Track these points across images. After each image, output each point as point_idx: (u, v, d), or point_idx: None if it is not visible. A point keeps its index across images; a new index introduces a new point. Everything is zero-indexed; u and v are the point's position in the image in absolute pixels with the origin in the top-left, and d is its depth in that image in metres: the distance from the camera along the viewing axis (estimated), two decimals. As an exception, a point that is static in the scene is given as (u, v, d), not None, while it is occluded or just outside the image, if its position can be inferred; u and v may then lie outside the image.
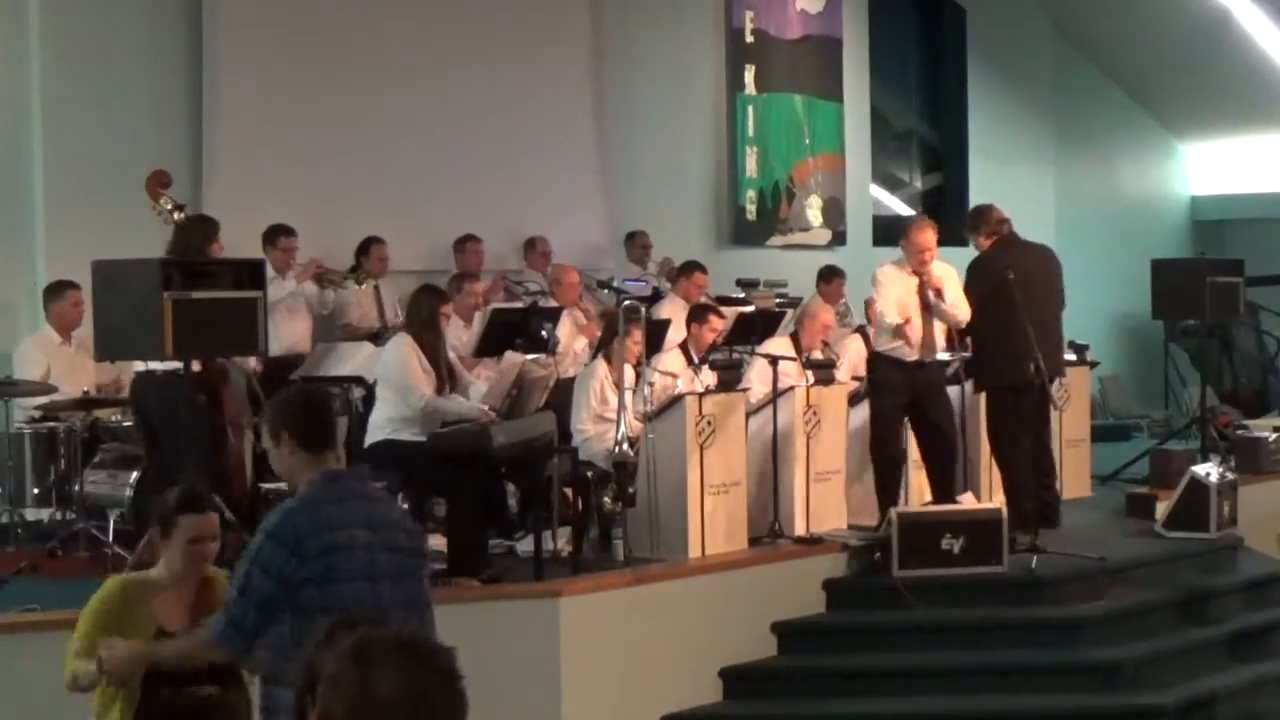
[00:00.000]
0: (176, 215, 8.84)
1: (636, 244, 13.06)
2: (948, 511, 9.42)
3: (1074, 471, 11.27)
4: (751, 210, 14.73)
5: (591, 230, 13.21)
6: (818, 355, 10.35)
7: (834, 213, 15.43)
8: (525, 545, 8.88)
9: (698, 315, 10.44)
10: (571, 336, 10.90)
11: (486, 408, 9.00)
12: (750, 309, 11.93)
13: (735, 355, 10.75)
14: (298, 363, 10.33)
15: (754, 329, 11.28)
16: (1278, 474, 11.84)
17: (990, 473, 10.46)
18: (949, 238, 13.57)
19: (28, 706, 7.13)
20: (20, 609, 7.51)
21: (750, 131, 14.70)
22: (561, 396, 9.66)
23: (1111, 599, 9.28)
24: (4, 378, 9.25)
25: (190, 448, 7.93)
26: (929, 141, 17.41)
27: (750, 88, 14.71)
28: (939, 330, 9.82)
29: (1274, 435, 12.11)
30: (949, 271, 9.95)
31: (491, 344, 10.15)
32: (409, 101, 12.16)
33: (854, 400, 10.10)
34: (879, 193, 16.61)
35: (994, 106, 17.08)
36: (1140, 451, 12.55)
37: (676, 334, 10.77)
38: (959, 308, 9.79)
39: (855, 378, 10.27)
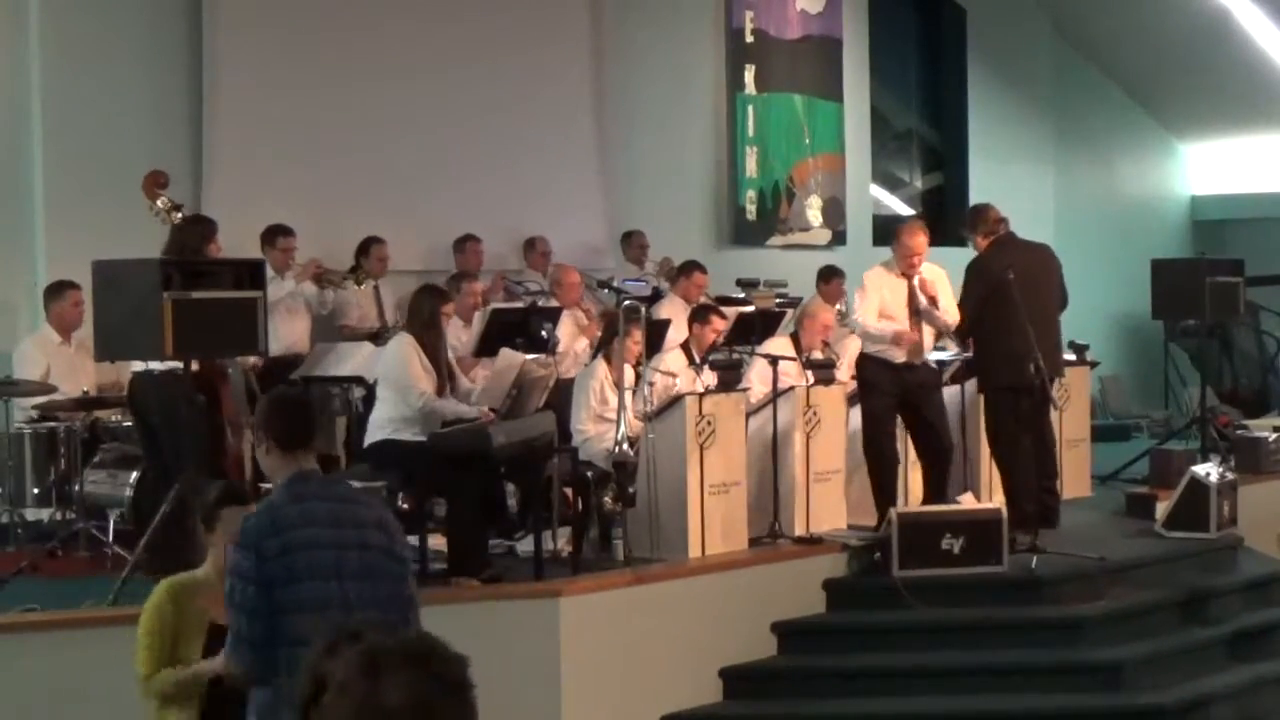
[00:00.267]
0: (174, 215, 8.84)
1: (633, 244, 13.06)
2: (948, 511, 9.42)
3: (1074, 471, 11.27)
4: (751, 210, 14.73)
5: (591, 230, 13.21)
6: (818, 355, 10.35)
7: (834, 213, 15.43)
8: (525, 545, 8.88)
9: (700, 315, 10.45)
10: (573, 337, 10.90)
11: (486, 408, 8.99)
12: (750, 309, 11.92)
13: (735, 355, 10.75)
14: (297, 363, 10.33)
15: (754, 329, 11.28)
16: (1278, 474, 11.83)
17: (990, 473, 10.46)
18: (949, 238, 13.61)
19: (28, 706, 7.14)
20: (20, 609, 7.51)
21: (750, 131, 14.70)
22: (561, 396, 9.66)
23: (1111, 599, 9.28)
24: (4, 378, 9.25)
25: (189, 447, 7.92)
26: (929, 141, 17.42)
27: (750, 88, 14.71)
28: (928, 332, 9.83)
29: (1274, 435, 12.11)
30: (939, 275, 9.95)
31: (491, 344, 10.14)
32: (409, 101, 12.16)
33: (854, 400, 10.10)
34: (879, 193, 16.61)
35: (994, 106, 17.08)
36: (1140, 451, 12.55)
37: (676, 334, 10.78)
38: (949, 313, 9.79)
39: (855, 378, 10.26)
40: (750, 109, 14.71)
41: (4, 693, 7.15)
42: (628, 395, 8.98)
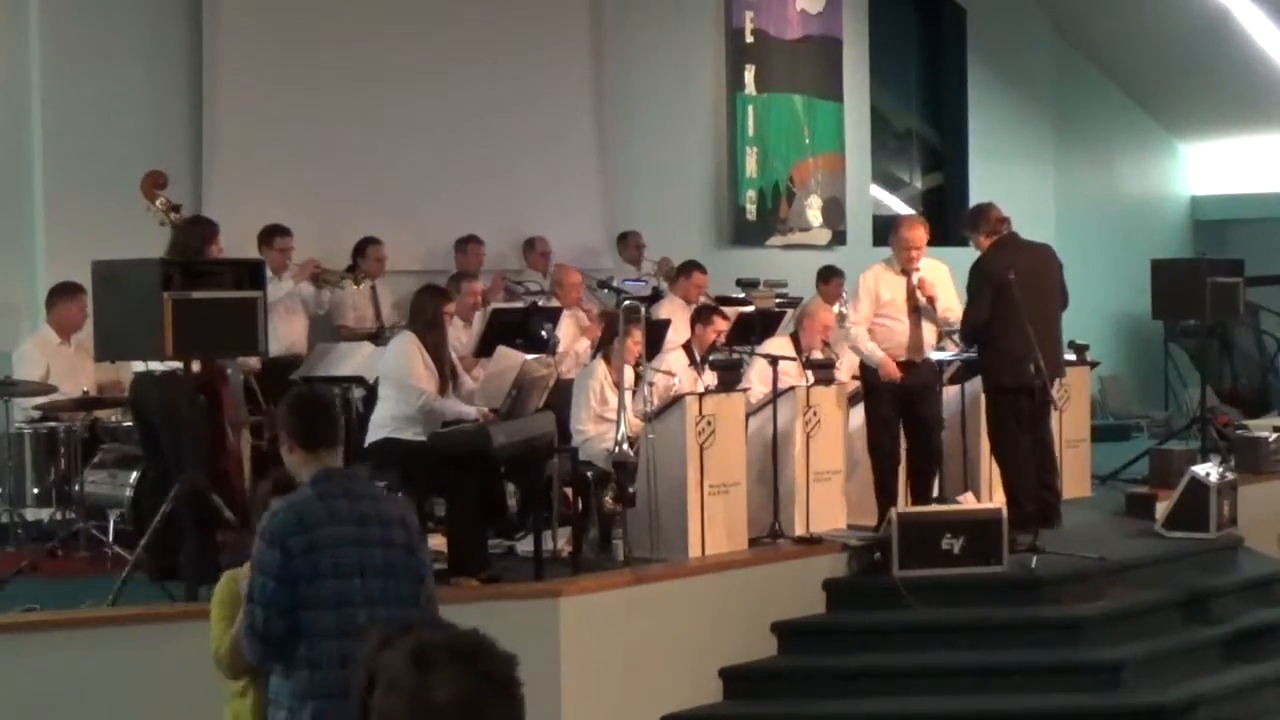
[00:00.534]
0: (172, 216, 8.83)
1: (630, 244, 13.06)
2: (948, 511, 9.43)
3: (1074, 471, 11.27)
4: (751, 210, 14.73)
5: (591, 230, 13.21)
6: (818, 355, 10.35)
7: (834, 213, 15.43)
8: (525, 545, 8.88)
9: (703, 315, 10.47)
10: (574, 337, 10.90)
11: (486, 409, 8.99)
12: (750, 309, 11.93)
13: (735, 355, 10.75)
14: (295, 363, 10.34)
15: (754, 329, 11.28)
16: (1278, 474, 11.83)
17: (990, 473, 10.46)
18: (949, 238, 13.60)
19: (28, 706, 7.13)
20: (20, 609, 7.51)
21: (750, 131, 14.70)
22: (561, 396, 9.66)
23: (1111, 599, 9.28)
24: (4, 378, 9.25)
25: (189, 447, 7.92)
26: (929, 141, 17.41)
27: (750, 88, 14.71)
28: (929, 330, 9.83)
29: (1274, 435, 12.10)
30: (942, 272, 9.95)
31: (492, 344, 10.15)
32: (409, 102, 12.17)
33: (854, 400, 10.11)
34: (879, 193, 16.61)
35: (994, 106, 17.08)
36: (1140, 451, 12.55)
37: (676, 334, 10.78)
38: (951, 311, 9.79)
39: (855, 377, 10.27)
40: (750, 109, 14.71)
41: (4, 693, 7.14)
42: (628, 395, 8.98)
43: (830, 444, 9.80)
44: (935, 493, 10.02)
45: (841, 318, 11.37)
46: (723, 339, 10.45)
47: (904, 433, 9.94)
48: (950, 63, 17.14)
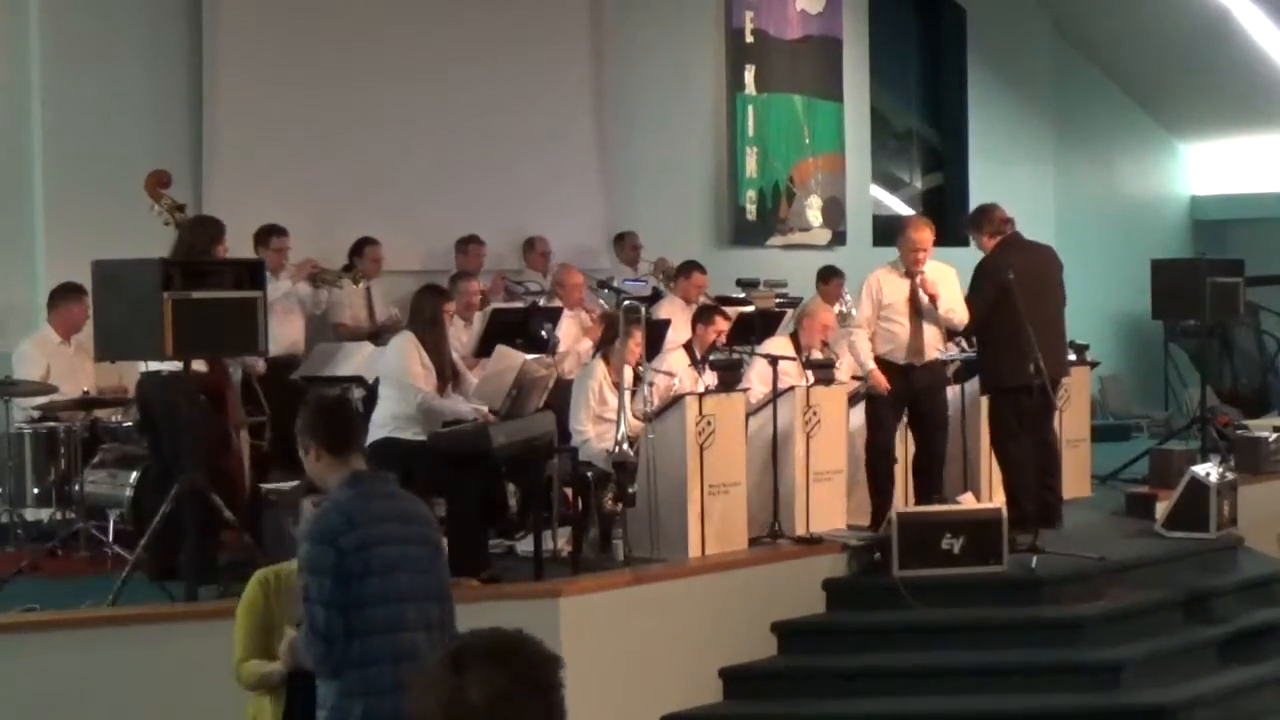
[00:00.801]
0: (177, 215, 8.83)
1: (626, 245, 13.06)
2: (948, 511, 9.42)
3: (1074, 471, 11.26)
4: (751, 210, 14.73)
5: (591, 230, 13.21)
6: (817, 355, 10.35)
7: (834, 213, 15.43)
8: (525, 545, 8.88)
9: (704, 315, 10.48)
10: (576, 338, 10.90)
11: (485, 409, 8.99)
12: (750, 309, 11.92)
13: (735, 355, 10.75)
14: (293, 363, 10.34)
15: (754, 329, 11.28)
16: (1278, 474, 11.83)
17: (990, 473, 10.47)
18: (949, 238, 13.60)
19: (28, 706, 7.13)
20: (20, 609, 7.51)
21: (750, 131, 14.70)
22: (561, 396, 9.66)
23: (1111, 599, 9.28)
24: (4, 378, 9.25)
25: (190, 447, 7.93)
26: (929, 141, 17.41)
27: (750, 88, 14.71)
28: (933, 333, 9.82)
29: (1274, 435, 12.10)
30: (947, 273, 9.95)
31: (492, 344, 10.15)
32: (409, 102, 12.17)
33: (854, 400, 10.11)
34: (879, 193, 16.61)
35: (994, 106, 17.08)
36: (1140, 451, 12.55)
37: (676, 334, 10.78)
38: (955, 312, 9.79)
39: (855, 377, 10.27)
40: (750, 109, 14.71)
41: (4, 693, 7.14)
42: (628, 395, 8.98)
43: (830, 444, 9.80)
44: (937, 493, 10.02)
45: (843, 317, 11.38)
46: (723, 339, 10.45)
47: (912, 435, 9.94)
48: (950, 63, 17.14)
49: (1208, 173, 19.16)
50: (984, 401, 10.38)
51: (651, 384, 9.22)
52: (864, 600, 9.22)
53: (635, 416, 9.00)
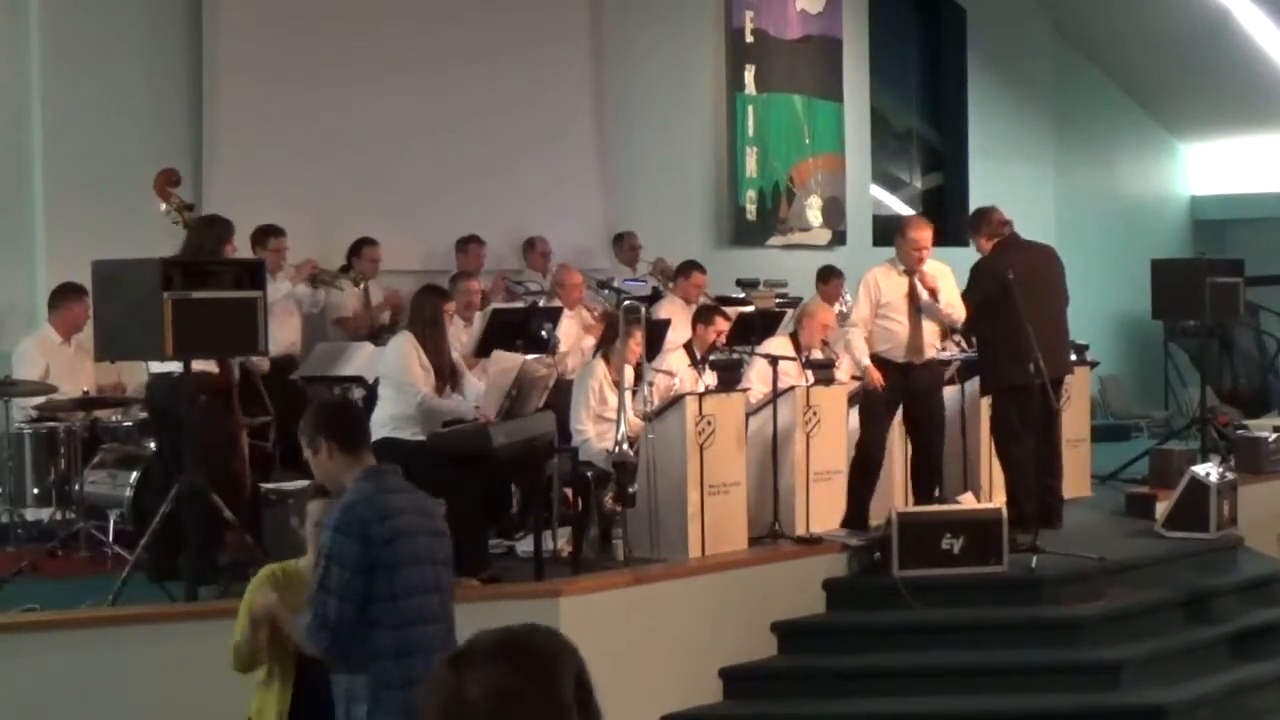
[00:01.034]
0: (185, 215, 8.81)
1: (625, 245, 13.06)
2: (948, 511, 9.42)
3: (1074, 471, 11.26)
4: (751, 210, 14.73)
5: (591, 230, 13.21)
6: (817, 355, 10.35)
7: (834, 213, 15.44)
8: (525, 545, 8.88)
9: (704, 315, 10.48)
10: (578, 337, 10.91)
11: (485, 410, 8.98)
12: (750, 309, 11.92)
13: (735, 355, 10.75)
14: (291, 364, 10.33)
15: (754, 329, 11.28)
16: (1278, 474, 11.83)
17: (991, 473, 10.47)
18: (949, 238, 13.60)
19: (28, 706, 7.13)
20: (20, 609, 7.51)
21: (750, 131, 14.71)
22: (561, 396, 9.66)
23: (1111, 599, 9.28)
24: (4, 378, 9.25)
25: (198, 449, 7.94)
26: (929, 141, 17.41)
27: (750, 88, 14.71)
28: (931, 331, 9.82)
29: (1274, 435, 12.10)
30: (944, 270, 9.95)
31: (492, 344, 10.15)
32: (409, 102, 12.16)
33: (853, 400, 10.10)
34: (879, 193, 16.61)
35: (994, 106, 17.08)
36: (1140, 451, 12.55)
37: (676, 334, 10.78)
38: (954, 307, 9.79)
39: (855, 377, 10.27)
40: (750, 109, 14.71)
41: (4, 693, 7.14)
42: (628, 395, 8.98)
43: (830, 444, 9.80)
44: (937, 493, 10.02)
45: (843, 317, 11.38)
46: (723, 339, 10.44)
47: (908, 435, 9.93)
48: (950, 63, 17.14)
49: (1208, 173, 19.16)
50: (984, 401, 10.38)
51: (651, 384, 9.22)
52: (864, 600, 9.22)
53: (635, 416, 9.00)
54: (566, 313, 11.00)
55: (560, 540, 8.93)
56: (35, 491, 9.22)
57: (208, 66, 11.17)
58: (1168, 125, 18.88)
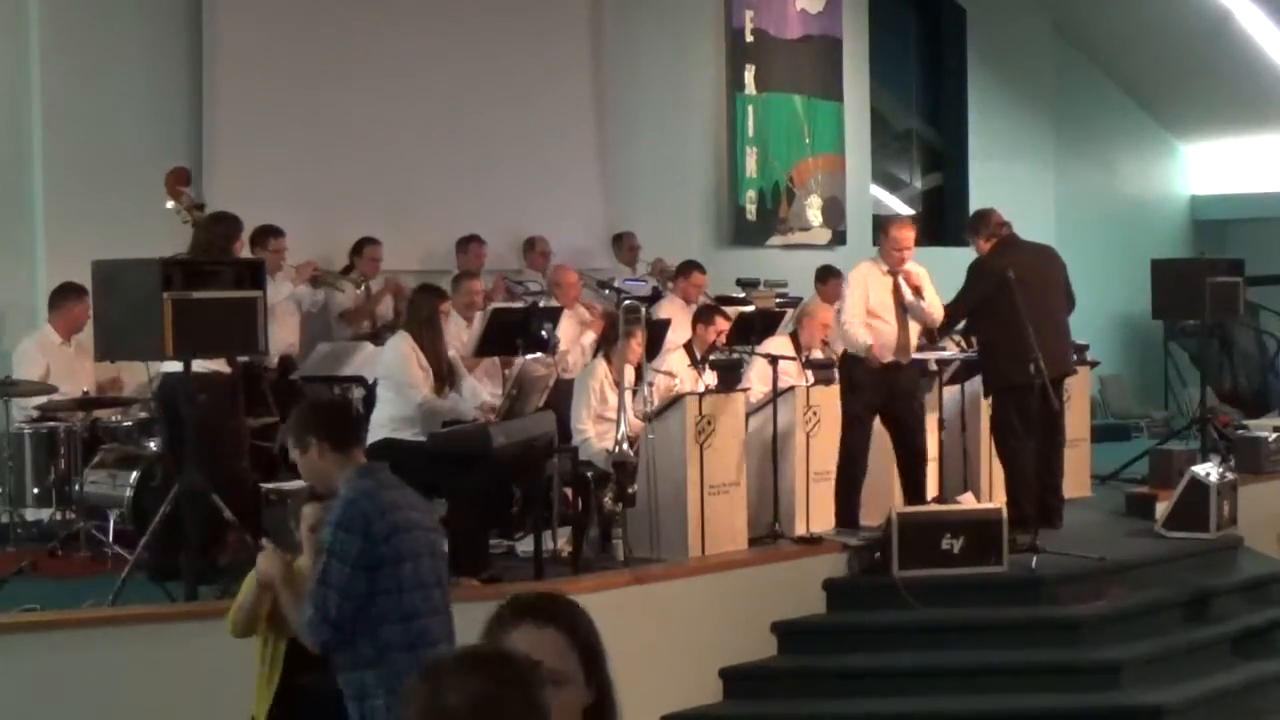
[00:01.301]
0: (195, 214, 8.80)
1: (625, 245, 13.06)
2: (948, 511, 9.43)
3: (1074, 471, 11.25)
4: (751, 210, 14.73)
5: (591, 231, 13.21)
6: (817, 355, 10.35)
7: (834, 213, 15.43)
8: (525, 545, 8.88)
9: (704, 315, 10.47)
10: (575, 335, 10.91)
11: (484, 408, 8.98)
12: (750, 309, 11.93)
13: (735, 355, 10.75)
14: (290, 364, 10.33)
15: (754, 329, 11.28)
16: (1278, 474, 11.83)
17: (991, 473, 10.46)
18: (949, 238, 13.62)
19: (28, 706, 7.13)
20: (20, 609, 7.50)
21: (750, 131, 14.70)
22: (561, 396, 9.66)
23: (1111, 599, 9.28)
24: (4, 378, 9.25)
25: (215, 447, 7.95)
26: (929, 141, 17.41)
27: (750, 88, 14.71)
28: (915, 331, 9.80)
29: (1274, 435, 12.10)
30: (922, 272, 9.92)
31: (491, 344, 10.15)
32: (409, 102, 12.16)
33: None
34: (879, 193, 16.61)
35: (994, 106, 17.07)
36: (1140, 451, 12.55)
37: (676, 334, 10.78)
38: (935, 306, 9.78)
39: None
40: (750, 109, 14.71)
41: (4, 693, 7.14)
42: (628, 395, 8.98)
43: (830, 444, 9.78)
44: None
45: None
46: (723, 339, 10.44)
47: (891, 437, 9.84)
48: (950, 63, 17.14)
49: (1208, 173, 19.16)
50: (984, 401, 10.38)
51: (652, 384, 9.22)
52: (864, 600, 9.23)
53: (635, 416, 9.00)
54: (566, 311, 11.00)
55: (560, 540, 8.93)
56: (35, 491, 9.22)
57: (208, 66, 11.17)
58: (1168, 125, 18.87)
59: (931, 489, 10.18)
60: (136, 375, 9.57)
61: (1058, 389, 9.89)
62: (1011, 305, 9.52)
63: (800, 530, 9.48)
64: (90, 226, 10.05)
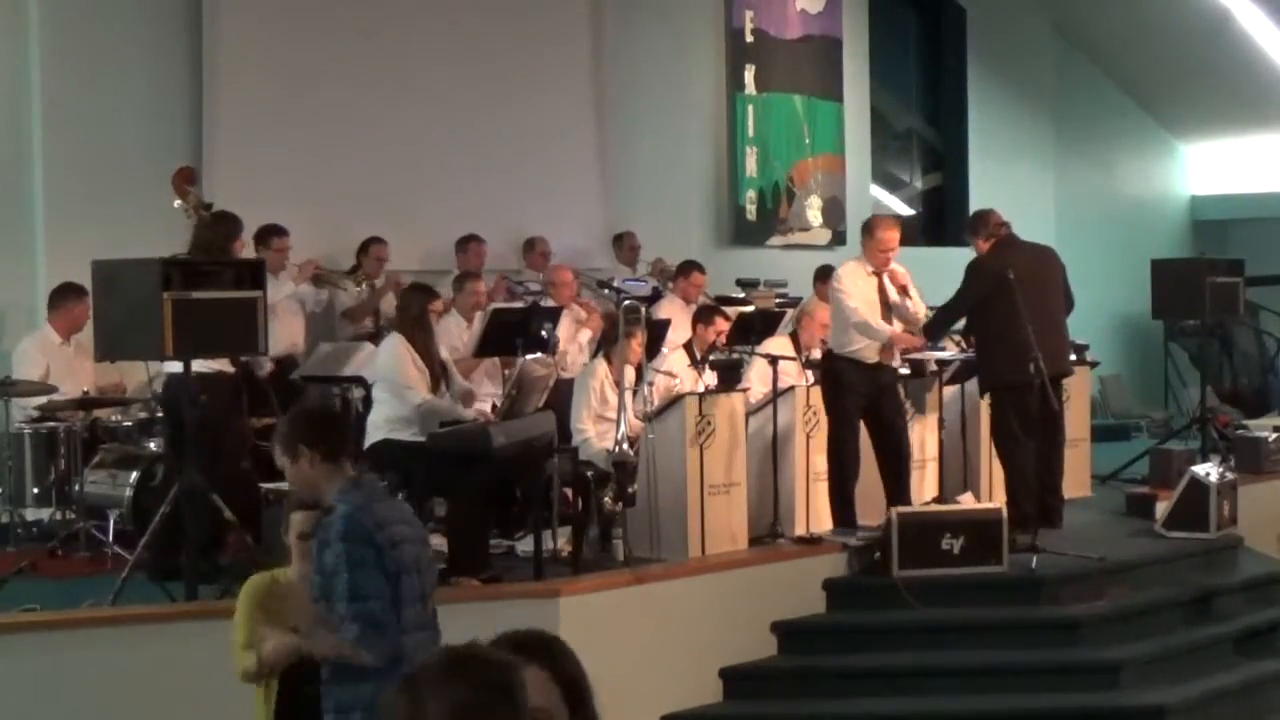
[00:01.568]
0: (201, 213, 8.79)
1: (625, 245, 13.06)
2: (948, 511, 9.42)
3: (1074, 471, 11.25)
4: (751, 210, 14.73)
5: (591, 231, 13.21)
6: (817, 355, 10.34)
7: (834, 213, 15.44)
8: (525, 545, 8.88)
9: (704, 315, 10.47)
10: (572, 334, 10.91)
11: (487, 408, 8.99)
12: (750, 309, 11.93)
13: (735, 355, 10.75)
14: (293, 364, 10.33)
15: (754, 329, 11.27)
16: (1278, 474, 11.83)
17: (991, 473, 10.46)
18: (948, 238, 13.62)
19: (28, 706, 7.13)
20: (20, 609, 7.50)
21: (750, 131, 14.71)
22: (561, 396, 9.66)
23: (1111, 599, 9.28)
24: (4, 378, 9.25)
25: (215, 448, 7.94)
26: (929, 141, 17.41)
27: (750, 88, 14.71)
28: (895, 327, 9.77)
29: (1274, 435, 12.10)
30: (906, 272, 9.91)
31: (491, 344, 10.15)
32: (410, 101, 12.17)
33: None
34: (879, 193, 16.61)
35: (994, 106, 17.08)
36: (1140, 451, 12.55)
37: (676, 334, 10.78)
38: (920, 306, 9.77)
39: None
40: (750, 109, 14.71)
41: (4, 693, 7.14)
42: (628, 395, 8.98)
43: (830, 444, 9.79)
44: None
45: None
46: (723, 339, 10.44)
47: (871, 436, 9.69)
48: (950, 63, 17.14)
49: (1208, 173, 19.16)
50: (984, 401, 10.37)
51: (652, 384, 9.22)
52: (864, 600, 9.22)
53: (635, 416, 9.00)
54: (565, 311, 11.01)
55: (560, 540, 8.93)
56: (35, 491, 9.22)
57: (208, 66, 11.17)
58: (1168, 125, 18.87)
59: (931, 489, 10.20)
60: (137, 375, 9.57)
61: (1056, 389, 9.87)
62: (1011, 305, 9.51)
63: (800, 530, 9.48)
64: (90, 226, 10.05)
